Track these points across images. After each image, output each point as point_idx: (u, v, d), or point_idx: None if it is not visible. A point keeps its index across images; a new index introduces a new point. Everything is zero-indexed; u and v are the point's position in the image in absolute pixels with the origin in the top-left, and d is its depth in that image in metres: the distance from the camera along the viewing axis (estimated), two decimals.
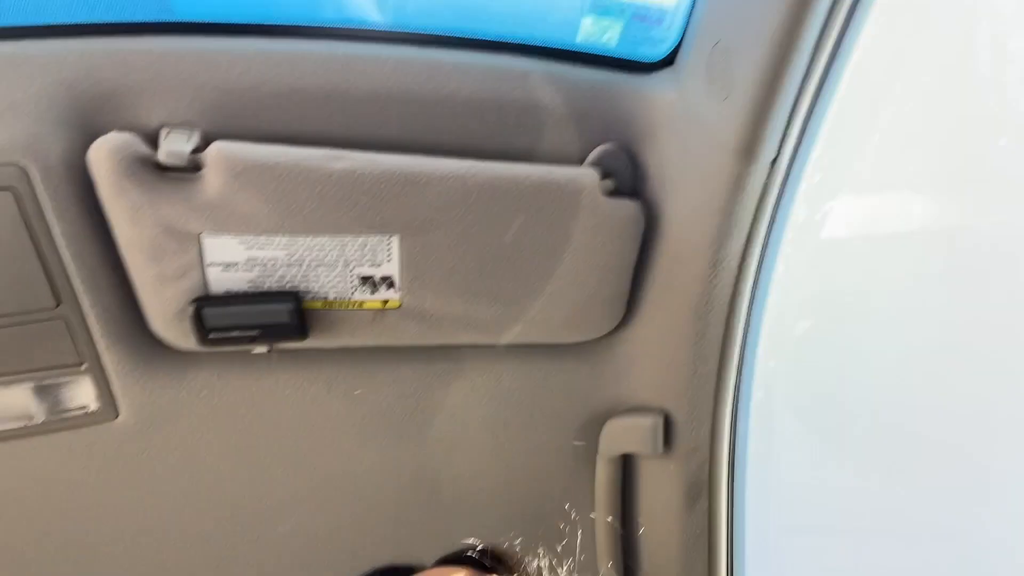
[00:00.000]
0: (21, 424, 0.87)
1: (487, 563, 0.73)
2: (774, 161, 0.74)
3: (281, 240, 0.79)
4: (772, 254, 0.82)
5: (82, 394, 0.87)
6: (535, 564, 0.72)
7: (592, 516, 1.12)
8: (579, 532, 0.88)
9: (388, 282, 0.85)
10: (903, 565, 0.89)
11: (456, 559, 0.75)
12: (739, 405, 0.95)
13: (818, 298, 0.94)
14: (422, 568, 0.77)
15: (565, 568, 0.73)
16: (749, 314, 0.88)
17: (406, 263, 0.83)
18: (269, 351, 0.89)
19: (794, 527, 1.10)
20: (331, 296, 0.85)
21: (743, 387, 0.93)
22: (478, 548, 0.74)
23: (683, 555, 1.07)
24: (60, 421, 0.88)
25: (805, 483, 1.08)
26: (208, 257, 0.79)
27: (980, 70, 0.69)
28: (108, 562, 1.05)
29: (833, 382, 0.97)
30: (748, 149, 0.72)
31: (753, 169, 0.74)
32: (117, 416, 0.89)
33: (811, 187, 0.77)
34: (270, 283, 0.82)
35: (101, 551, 1.03)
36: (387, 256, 0.83)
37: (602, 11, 0.80)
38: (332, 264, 0.82)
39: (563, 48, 0.83)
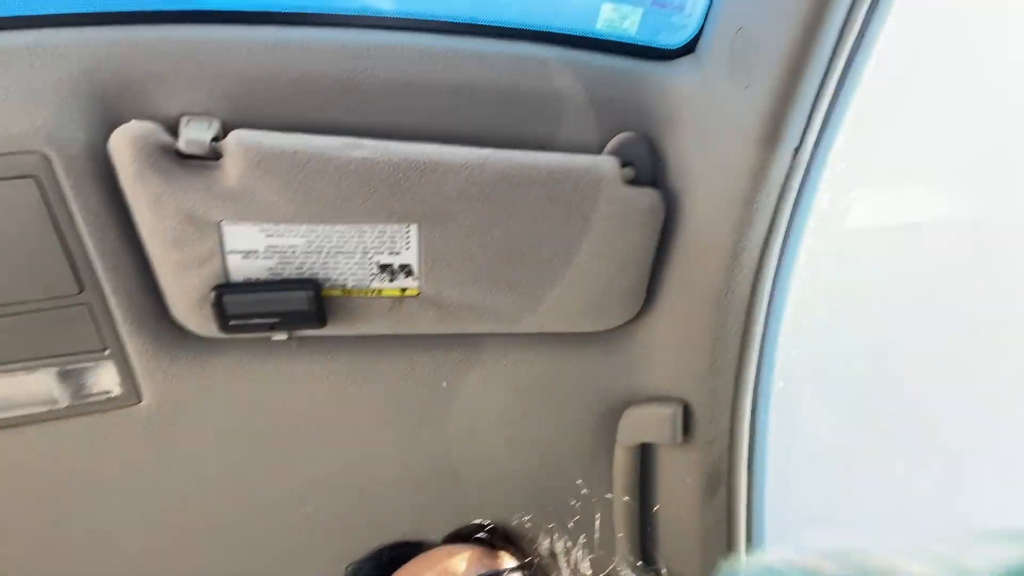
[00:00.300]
0: (45, 409, 0.89)
1: (497, 542, 0.72)
2: (797, 150, 0.73)
3: (300, 228, 0.80)
4: (794, 243, 0.82)
5: (105, 379, 0.89)
6: (546, 544, 0.71)
7: (610, 505, 1.12)
8: (596, 520, 0.88)
9: (406, 270, 0.85)
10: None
11: (465, 536, 0.75)
12: (759, 395, 0.94)
13: (840, 288, 0.93)
14: (431, 544, 0.77)
15: (579, 550, 0.72)
16: (770, 304, 0.87)
17: (424, 251, 0.84)
18: (289, 338, 0.90)
19: (814, 518, 1.09)
20: (350, 284, 0.85)
21: (763, 377, 0.93)
22: (487, 526, 0.73)
23: (702, 545, 1.07)
24: (83, 406, 0.89)
25: (825, 474, 1.07)
26: (228, 245, 0.79)
27: (1006, 59, 0.67)
28: (130, 545, 1.06)
29: (855, 372, 0.96)
30: (770, 138, 0.71)
31: (775, 158, 0.73)
32: (140, 401, 0.91)
33: (834, 176, 0.76)
34: (289, 271, 0.83)
35: (123, 534, 1.05)
36: (405, 244, 0.83)
37: None
38: (351, 252, 0.82)
39: (582, 35, 0.83)
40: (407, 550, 0.73)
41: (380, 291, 0.86)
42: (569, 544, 0.71)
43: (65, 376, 0.87)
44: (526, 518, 0.74)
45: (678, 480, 1.06)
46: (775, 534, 1.04)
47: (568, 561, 0.69)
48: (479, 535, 0.73)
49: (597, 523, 0.77)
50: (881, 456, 0.95)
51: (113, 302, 0.82)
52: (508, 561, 0.68)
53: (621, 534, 1.14)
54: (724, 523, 1.06)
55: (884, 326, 0.89)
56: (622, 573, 0.72)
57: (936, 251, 0.80)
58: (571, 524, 0.72)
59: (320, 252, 0.82)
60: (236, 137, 0.74)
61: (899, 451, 0.92)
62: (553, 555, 0.69)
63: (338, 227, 0.80)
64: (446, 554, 0.69)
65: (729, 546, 1.08)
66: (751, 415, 0.96)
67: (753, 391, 0.94)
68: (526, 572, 0.67)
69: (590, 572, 0.70)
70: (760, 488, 1.02)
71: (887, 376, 0.92)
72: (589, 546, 0.71)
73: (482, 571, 0.65)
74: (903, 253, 0.85)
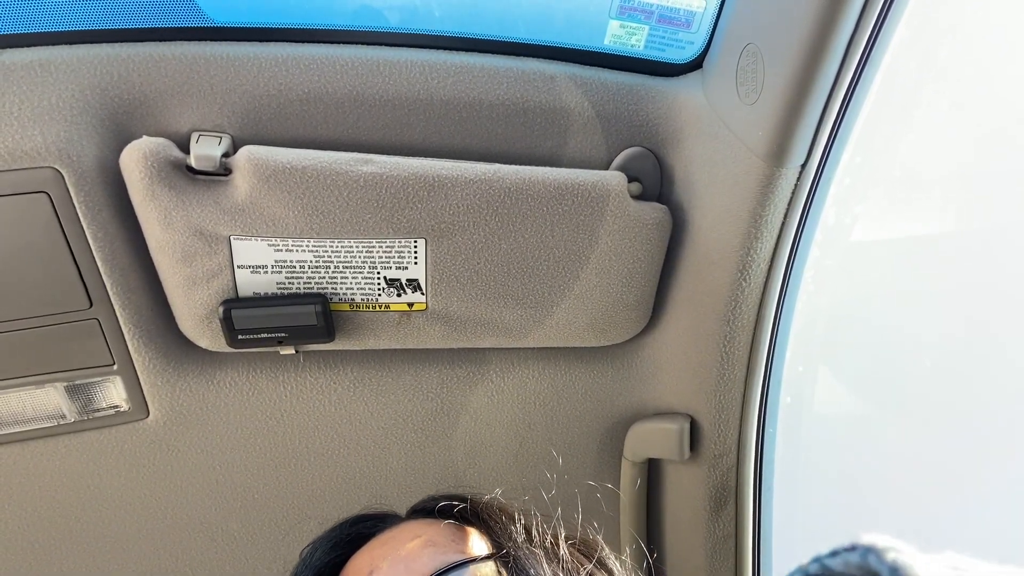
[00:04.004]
0: (53, 423, 0.89)
1: (467, 518, 0.63)
2: (803, 165, 0.73)
3: (309, 243, 0.80)
4: (801, 258, 0.82)
5: (113, 394, 0.89)
6: (521, 524, 0.62)
7: (617, 520, 1.12)
8: (601, 535, 0.86)
9: (414, 285, 0.85)
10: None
11: (431, 510, 0.66)
12: (767, 410, 0.94)
13: (848, 302, 0.93)
14: (395, 516, 0.71)
15: (559, 530, 0.63)
16: (777, 319, 0.87)
17: (432, 266, 0.84)
18: (296, 353, 0.90)
19: (822, 533, 1.09)
20: (358, 299, 0.85)
21: (771, 392, 0.93)
22: (456, 502, 0.64)
23: (709, 562, 1.06)
24: (91, 420, 0.90)
25: (833, 489, 1.06)
26: (237, 259, 0.79)
27: (1011, 73, 0.68)
28: (137, 558, 1.06)
29: (863, 387, 0.96)
30: (777, 153, 0.72)
31: (782, 173, 0.74)
32: (147, 416, 0.91)
33: (841, 191, 0.76)
34: (298, 285, 0.83)
35: (130, 548, 1.05)
36: (413, 259, 0.83)
37: (629, 14, 0.80)
38: (359, 267, 0.83)
39: (590, 51, 0.83)
40: (369, 525, 0.67)
41: (388, 306, 0.86)
42: (545, 526, 0.64)
43: (73, 391, 0.87)
44: (499, 493, 0.68)
45: (685, 496, 1.06)
46: (783, 551, 1.04)
47: (546, 543, 0.60)
48: (447, 508, 0.64)
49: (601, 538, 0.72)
50: (890, 473, 0.94)
51: (122, 317, 0.82)
52: (476, 541, 0.60)
53: (626, 550, 1.13)
54: (732, 539, 1.06)
55: (891, 340, 0.89)
56: (608, 559, 0.64)
57: (945, 264, 0.80)
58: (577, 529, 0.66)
59: (328, 267, 0.82)
60: (246, 153, 0.74)
61: (908, 466, 0.91)
62: (529, 537, 0.61)
63: (346, 242, 0.81)
64: (409, 536, 0.61)
65: (737, 563, 1.07)
66: (759, 430, 0.96)
67: (760, 406, 0.94)
68: (497, 561, 0.58)
69: (569, 556, 0.61)
70: (768, 504, 1.01)
71: (895, 390, 0.92)
72: (571, 531, 0.65)
73: (450, 557, 0.57)
74: (910, 266, 0.85)
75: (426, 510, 0.68)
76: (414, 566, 0.56)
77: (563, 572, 0.58)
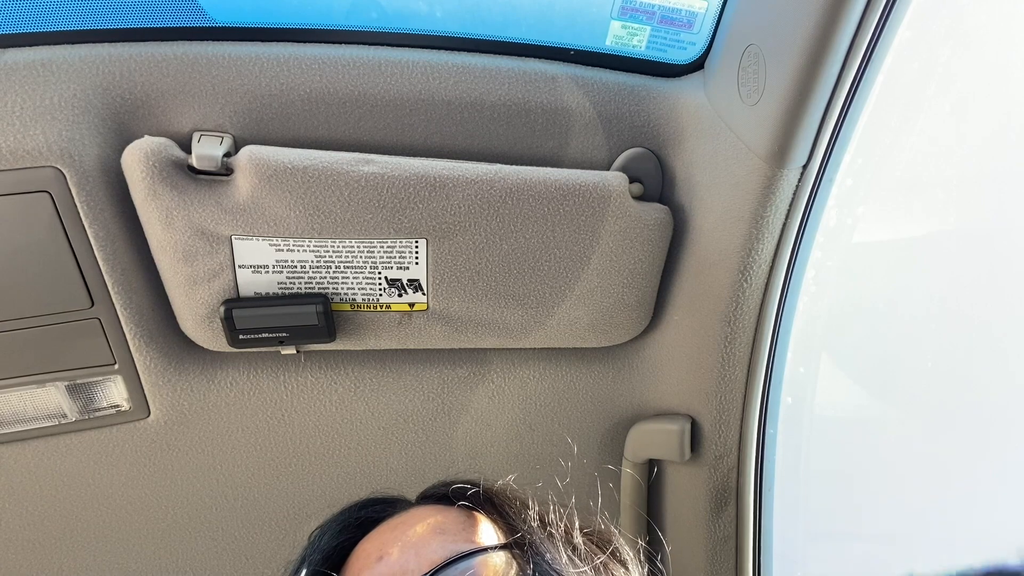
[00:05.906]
0: (54, 423, 0.89)
1: (478, 504, 0.61)
2: (804, 167, 0.73)
3: (310, 243, 0.80)
4: (803, 259, 0.82)
5: (114, 393, 0.89)
6: (535, 510, 0.60)
7: (617, 521, 1.12)
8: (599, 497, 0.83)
9: (415, 285, 0.85)
10: (930, 571, 0.88)
11: (442, 496, 0.64)
12: (767, 411, 0.94)
13: (849, 303, 0.93)
14: (405, 500, 0.69)
15: (573, 518, 0.61)
16: (778, 320, 0.87)
17: (433, 266, 0.84)
18: (297, 352, 0.90)
19: (822, 534, 1.09)
20: (359, 299, 0.85)
21: (772, 393, 0.93)
22: (468, 487, 0.62)
23: (709, 563, 1.06)
24: (92, 420, 0.90)
25: (834, 490, 1.06)
26: (238, 259, 0.79)
27: (1013, 74, 0.68)
28: (138, 558, 1.06)
29: (864, 388, 0.96)
30: (778, 154, 0.72)
31: (783, 174, 0.74)
32: (148, 415, 0.91)
33: (842, 192, 0.76)
34: (299, 285, 0.83)
35: (131, 547, 1.05)
36: (414, 259, 0.83)
37: (631, 15, 0.80)
38: (360, 267, 0.83)
39: (591, 52, 0.83)
40: (378, 509, 0.65)
41: (389, 306, 0.86)
42: (562, 509, 0.62)
43: (74, 390, 0.87)
44: (511, 479, 0.67)
45: (686, 497, 1.06)
46: (784, 552, 1.04)
47: (560, 531, 0.58)
48: (459, 493, 0.62)
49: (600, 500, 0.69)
50: (891, 472, 0.94)
51: (123, 316, 0.82)
52: (488, 528, 0.58)
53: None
54: (732, 540, 1.05)
55: (893, 341, 0.89)
56: (623, 551, 0.63)
57: (946, 265, 0.80)
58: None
59: (329, 267, 0.82)
60: (247, 153, 0.74)
61: (909, 466, 0.91)
62: (544, 524, 0.59)
63: (347, 242, 0.81)
64: (419, 520, 0.59)
65: (737, 564, 1.07)
66: (759, 431, 0.96)
67: (761, 407, 0.94)
68: (509, 550, 0.55)
69: (584, 545, 0.58)
70: (769, 505, 1.01)
71: (896, 391, 0.92)
72: (587, 521, 0.64)
73: (461, 546, 0.55)
74: (913, 268, 0.85)
75: (437, 495, 0.66)
76: (424, 552, 0.55)
77: (580, 561, 0.57)
